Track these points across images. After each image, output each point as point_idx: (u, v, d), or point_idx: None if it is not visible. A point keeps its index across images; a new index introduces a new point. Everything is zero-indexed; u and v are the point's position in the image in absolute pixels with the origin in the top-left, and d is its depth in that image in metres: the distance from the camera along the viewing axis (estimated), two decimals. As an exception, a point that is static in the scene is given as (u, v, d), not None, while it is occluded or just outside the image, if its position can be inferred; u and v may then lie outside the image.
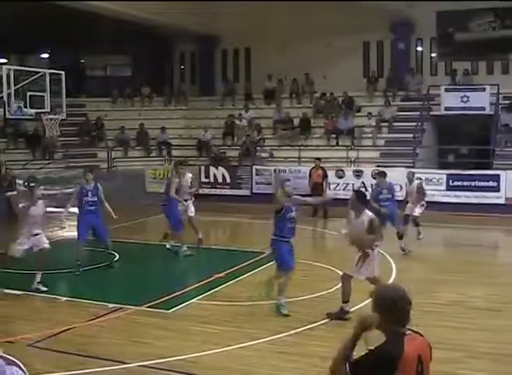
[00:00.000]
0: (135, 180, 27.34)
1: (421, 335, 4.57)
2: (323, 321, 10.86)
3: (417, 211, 17.87)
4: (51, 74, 19.36)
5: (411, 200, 18.02)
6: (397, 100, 29.99)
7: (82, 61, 36.67)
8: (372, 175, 25.17)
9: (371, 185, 25.17)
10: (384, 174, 17.60)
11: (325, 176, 24.37)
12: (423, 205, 17.95)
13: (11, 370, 3.97)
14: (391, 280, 13.78)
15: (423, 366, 4.43)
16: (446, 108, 27.19)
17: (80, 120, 31.11)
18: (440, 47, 30.15)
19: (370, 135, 28.47)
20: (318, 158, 24.80)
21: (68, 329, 10.67)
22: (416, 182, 18.48)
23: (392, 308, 4.47)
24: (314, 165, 24.70)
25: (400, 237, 16.93)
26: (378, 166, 26.04)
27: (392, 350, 4.33)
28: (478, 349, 9.65)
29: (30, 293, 13.16)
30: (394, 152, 26.77)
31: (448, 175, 24.52)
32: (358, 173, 25.78)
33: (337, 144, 28.45)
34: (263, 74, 32.07)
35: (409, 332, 4.47)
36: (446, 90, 27.74)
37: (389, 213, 16.46)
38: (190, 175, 17.77)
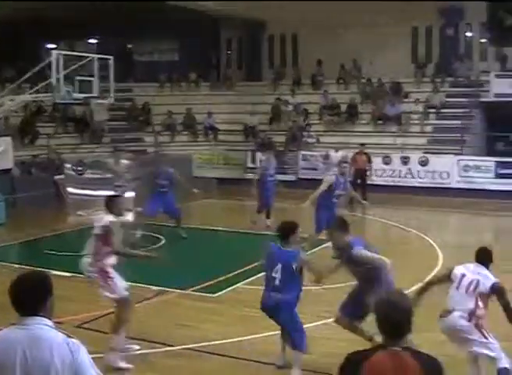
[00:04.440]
0: (182, 165, 27.45)
1: (419, 354, 3.88)
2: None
3: None
4: (99, 59, 19.51)
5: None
6: (446, 86, 29.59)
7: (130, 46, 36.86)
8: (419, 162, 25.07)
9: (418, 172, 25.14)
10: None
11: (370, 161, 24.07)
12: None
13: (72, 342, 4.14)
14: (437, 269, 13.68)
15: None
16: (496, 95, 26.75)
17: (128, 105, 31.33)
18: (490, 32, 29.67)
19: (417, 121, 28.19)
20: (363, 144, 24.61)
21: (112, 311, 10.78)
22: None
23: (378, 316, 3.98)
24: (358, 150, 24.50)
25: None
26: (425, 153, 25.88)
27: (350, 361, 3.97)
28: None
29: (77, 275, 13.33)
30: (442, 139, 26.50)
31: (497, 162, 24.22)
32: (405, 160, 25.59)
33: (384, 131, 28.24)
34: (310, 60, 31.92)
35: (396, 348, 3.84)
36: (496, 76, 27.30)
37: None
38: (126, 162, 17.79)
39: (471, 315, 7.51)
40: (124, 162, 17.64)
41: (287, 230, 8.70)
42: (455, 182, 24.18)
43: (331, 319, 9.41)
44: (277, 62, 34.87)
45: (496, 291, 7.60)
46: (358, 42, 30.30)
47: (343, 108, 29.83)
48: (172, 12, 29.07)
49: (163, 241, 16.53)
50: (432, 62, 31.30)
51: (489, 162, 24.21)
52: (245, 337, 9.58)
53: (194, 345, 9.28)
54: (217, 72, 35.39)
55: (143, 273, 13.65)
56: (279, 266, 8.32)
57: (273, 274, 8.35)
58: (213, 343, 9.37)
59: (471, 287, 7.67)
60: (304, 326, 8.69)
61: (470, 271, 7.99)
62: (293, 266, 8.29)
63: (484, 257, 8.38)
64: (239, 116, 31.29)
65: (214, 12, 30.93)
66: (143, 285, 12.36)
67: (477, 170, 23.95)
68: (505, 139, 26.94)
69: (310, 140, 28.74)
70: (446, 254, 15.14)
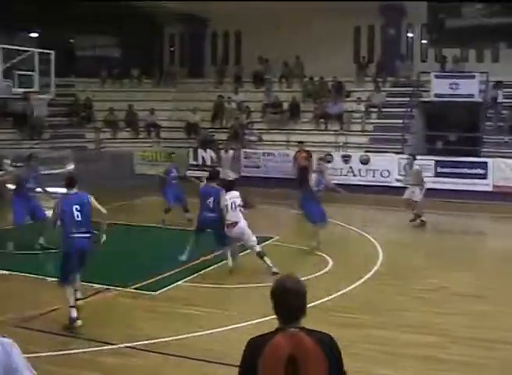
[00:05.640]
0: (123, 162, 27.29)
1: (313, 333, 4.14)
2: (311, 304, 10.86)
3: (418, 196, 18.61)
4: (40, 53, 19.24)
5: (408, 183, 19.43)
6: (387, 86, 29.96)
7: (71, 41, 36.41)
8: (360, 160, 25.36)
9: (359, 170, 25.42)
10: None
11: (310, 157, 24.05)
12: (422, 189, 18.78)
13: (6, 342, 4.03)
14: (377, 266, 13.92)
15: (298, 367, 4.01)
16: (436, 95, 27.15)
17: (69, 101, 30.98)
18: (431, 33, 30.10)
19: (359, 120, 28.45)
20: (301, 142, 24.75)
21: (53, 309, 10.66)
22: (416, 167, 19.32)
23: (274, 301, 4.24)
24: (298, 148, 24.66)
25: None
26: (366, 152, 26.16)
27: (251, 345, 4.21)
28: (460, 334, 9.73)
29: (15, 273, 13.16)
30: (383, 138, 26.82)
31: (436, 161, 24.61)
32: (347, 158, 25.82)
33: (326, 129, 28.45)
34: (253, 57, 31.98)
35: (293, 329, 4.10)
36: (436, 76, 27.71)
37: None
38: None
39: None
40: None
41: (215, 174, 14.79)
42: (395, 181, 24.44)
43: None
44: (220, 59, 34.86)
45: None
46: (301, 40, 30.44)
47: (286, 106, 29.94)
48: (114, 6, 28.80)
49: (104, 238, 16.36)
50: (373, 61, 31.66)
51: (429, 160, 24.53)
52: (187, 335, 9.57)
53: (136, 343, 9.23)
54: (159, 68, 35.19)
55: (83, 270, 13.54)
56: (211, 197, 13.73)
57: (207, 202, 13.80)
58: (155, 341, 9.34)
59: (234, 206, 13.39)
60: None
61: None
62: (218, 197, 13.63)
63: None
64: (181, 113, 31.17)
65: (156, 7, 30.74)
66: (83, 283, 12.23)
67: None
68: (444, 138, 27.36)
69: (252, 138, 28.79)
70: (386, 250, 15.36)
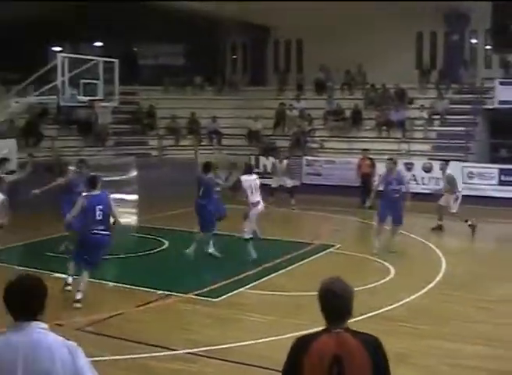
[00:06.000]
0: (185, 169, 27.46)
1: (358, 334, 4.24)
2: (371, 313, 10.77)
3: (454, 206, 18.25)
4: (104, 62, 19.51)
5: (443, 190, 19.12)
6: (450, 93, 29.57)
7: (135, 49, 36.90)
8: (423, 168, 25.07)
9: (422, 178, 25.13)
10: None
11: (373, 165, 24.13)
12: (456, 197, 18.35)
13: (71, 345, 4.12)
14: (440, 275, 13.72)
15: (342, 367, 4.11)
16: (500, 102, 26.70)
17: (132, 108, 31.38)
18: (495, 39, 29.63)
19: (421, 128, 28.16)
20: (365, 149, 24.76)
21: (116, 314, 10.80)
22: (448, 172, 18.86)
23: (320, 302, 4.37)
24: (361, 156, 24.62)
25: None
26: (429, 159, 25.85)
27: (298, 343, 4.33)
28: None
29: (78, 277, 13.34)
30: (446, 145, 26.46)
31: (500, 170, 24.19)
32: (409, 166, 25.56)
33: (388, 137, 28.24)
34: (315, 65, 31.94)
35: (338, 330, 4.21)
36: (501, 83, 27.24)
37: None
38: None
39: None
40: None
41: (208, 167, 15.42)
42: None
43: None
44: (282, 67, 34.89)
45: None
46: (363, 47, 30.28)
47: (348, 113, 29.82)
48: (178, 15, 29.10)
49: (166, 245, 16.53)
50: (436, 68, 31.29)
51: (493, 169, 24.16)
52: (246, 342, 9.57)
53: (196, 349, 9.28)
54: (222, 76, 35.42)
55: (146, 276, 13.69)
56: (203, 187, 15.03)
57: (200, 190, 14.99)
58: (214, 347, 9.37)
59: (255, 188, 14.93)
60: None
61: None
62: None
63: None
64: (243, 120, 31.29)
65: (219, 16, 30.94)
66: (146, 289, 12.37)
67: (480, 177, 23.90)
68: (508, 146, 26.90)
69: (314, 145, 28.76)
70: (449, 260, 15.15)
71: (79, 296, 11.22)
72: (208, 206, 15.19)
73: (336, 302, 4.29)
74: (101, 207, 11.40)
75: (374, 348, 4.21)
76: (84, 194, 11.94)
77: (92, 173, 13.89)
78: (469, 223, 18.32)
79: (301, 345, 4.27)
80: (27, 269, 12.59)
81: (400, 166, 25.27)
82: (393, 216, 16.14)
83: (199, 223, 15.42)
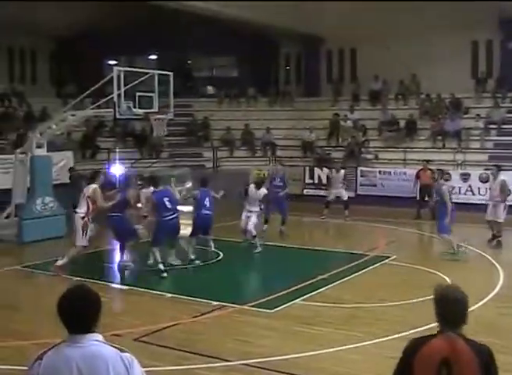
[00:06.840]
0: (240, 180, 27.55)
1: (471, 341, 4.39)
2: (429, 326, 10.62)
3: (501, 216, 17.83)
4: (159, 75, 19.68)
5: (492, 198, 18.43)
6: (507, 101, 29.16)
7: (189, 62, 37.23)
8: (480, 179, 24.68)
9: (478, 189, 24.74)
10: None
11: (434, 176, 23.81)
12: (505, 206, 17.99)
13: (126, 356, 4.12)
14: (498, 287, 13.49)
15: (451, 370, 4.25)
16: (559, 111, 26.24)
17: (187, 120, 31.63)
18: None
19: (478, 137, 27.81)
20: (427, 160, 24.43)
21: (172, 325, 10.87)
22: (500, 178, 18.37)
23: (438, 306, 4.52)
24: (422, 167, 24.35)
25: None
26: (486, 170, 25.45)
27: (411, 344, 4.46)
28: None
29: (135, 288, 13.48)
30: (503, 155, 26.05)
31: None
32: (465, 177, 25.24)
33: (443, 147, 27.93)
34: (369, 75, 31.81)
35: (452, 334, 4.37)
36: (559, 91, 26.79)
37: None
38: None
39: None
40: None
41: (206, 180, 16.71)
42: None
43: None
44: (335, 78, 34.82)
45: None
46: (417, 57, 30.08)
47: (402, 123, 29.61)
48: (231, 27, 29.30)
49: (221, 256, 16.58)
50: (492, 76, 30.87)
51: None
52: (301, 354, 9.53)
53: (250, 361, 9.27)
54: (275, 87, 35.50)
55: (201, 287, 13.75)
56: (208, 198, 15.99)
57: (205, 202, 15.93)
58: (269, 359, 9.34)
59: None
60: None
61: None
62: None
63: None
64: (297, 131, 31.31)
65: (272, 27, 31.06)
66: (201, 300, 12.41)
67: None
68: None
69: (368, 156, 28.62)
70: (507, 272, 14.89)
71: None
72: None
73: (455, 308, 4.47)
74: (167, 198, 14.57)
75: (485, 356, 4.36)
76: (152, 190, 15.03)
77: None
78: (499, 238, 18.10)
79: (413, 346, 4.42)
80: (85, 280, 12.77)
81: (456, 177, 25.07)
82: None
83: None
